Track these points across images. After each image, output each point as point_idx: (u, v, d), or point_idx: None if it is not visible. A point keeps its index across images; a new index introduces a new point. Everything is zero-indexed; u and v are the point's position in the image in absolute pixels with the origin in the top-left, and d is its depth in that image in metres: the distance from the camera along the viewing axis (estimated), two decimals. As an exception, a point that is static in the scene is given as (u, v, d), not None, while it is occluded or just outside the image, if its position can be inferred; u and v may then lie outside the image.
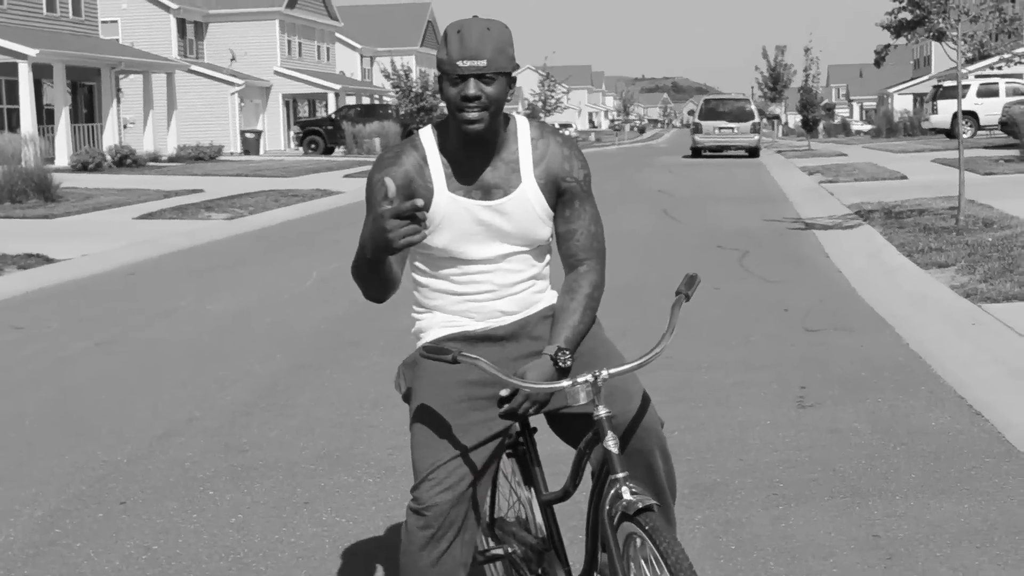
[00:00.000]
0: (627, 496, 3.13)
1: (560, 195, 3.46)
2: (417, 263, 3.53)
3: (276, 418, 7.08)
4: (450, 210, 3.37)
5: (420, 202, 2.98)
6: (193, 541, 5.12)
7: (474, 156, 3.38)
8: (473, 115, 3.26)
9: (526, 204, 3.41)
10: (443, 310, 3.52)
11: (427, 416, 3.43)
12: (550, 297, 3.61)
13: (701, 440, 6.39)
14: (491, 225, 3.39)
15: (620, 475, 3.15)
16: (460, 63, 3.23)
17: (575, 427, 3.44)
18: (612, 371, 3.21)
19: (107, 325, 10.41)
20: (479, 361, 3.13)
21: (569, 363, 3.32)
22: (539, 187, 3.42)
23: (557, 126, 36.76)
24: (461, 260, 3.43)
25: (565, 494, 3.49)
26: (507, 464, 3.91)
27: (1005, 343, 8.51)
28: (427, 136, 3.45)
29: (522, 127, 3.46)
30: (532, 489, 3.75)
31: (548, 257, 3.60)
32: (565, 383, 3.20)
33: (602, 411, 3.18)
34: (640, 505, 3.09)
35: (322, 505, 5.52)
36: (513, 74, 3.35)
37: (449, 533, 3.35)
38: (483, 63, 3.23)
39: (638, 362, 3.25)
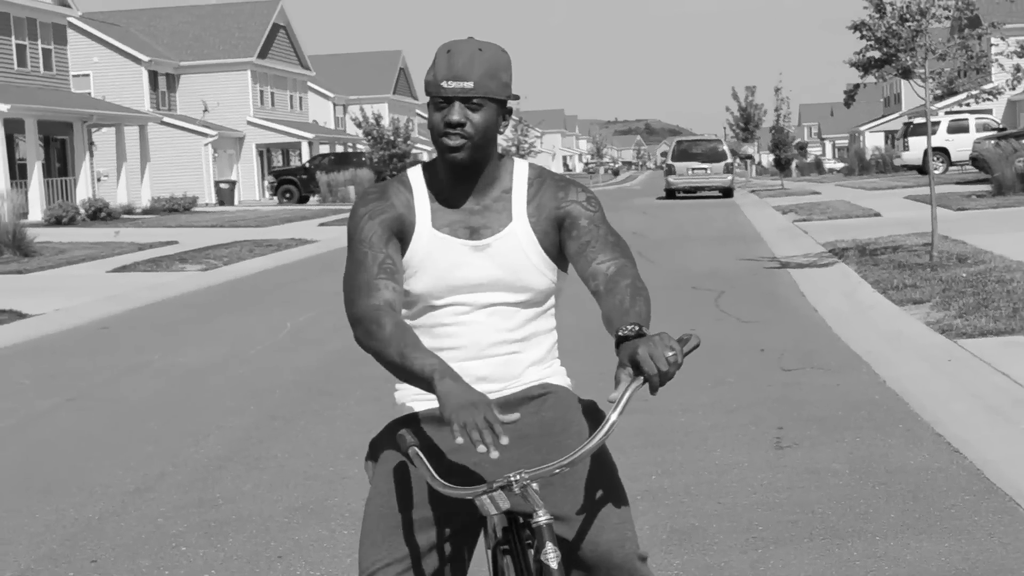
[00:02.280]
0: None
1: (561, 224, 3.08)
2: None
3: (249, 471, 7.00)
4: (432, 249, 3.05)
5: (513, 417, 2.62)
6: (165, 599, 5.03)
7: (460, 191, 3.08)
8: (455, 142, 2.97)
9: (515, 244, 3.06)
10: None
11: (378, 505, 3.07)
12: (541, 374, 3.15)
13: (679, 484, 6.34)
14: (477, 267, 3.05)
15: None
16: (444, 84, 2.96)
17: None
18: (531, 472, 2.71)
19: (78, 381, 10.31)
20: (418, 458, 2.79)
21: (636, 329, 2.75)
22: (531, 226, 3.08)
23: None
24: (438, 308, 3.08)
25: None
26: (507, 564, 3.22)
27: (981, 379, 8.50)
28: (415, 173, 3.17)
29: (520, 168, 3.16)
30: None
31: (548, 325, 3.19)
32: (478, 489, 2.72)
33: (541, 517, 2.73)
34: None
35: (296, 559, 5.44)
36: (508, 104, 3.07)
37: None
38: (469, 85, 2.95)
39: (562, 461, 2.71)
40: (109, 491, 6.71)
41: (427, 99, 3.07)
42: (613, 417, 2.69)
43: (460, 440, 2.60)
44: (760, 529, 5.55)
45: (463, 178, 3.07)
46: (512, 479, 2.70)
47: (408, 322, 3.09)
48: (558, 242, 3.11)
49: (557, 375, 3.23)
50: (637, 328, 2.76)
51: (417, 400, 3.15)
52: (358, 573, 3.08)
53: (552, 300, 3.18)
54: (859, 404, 7.99)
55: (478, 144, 2.99)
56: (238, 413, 8.63)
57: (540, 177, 3.15)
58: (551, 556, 2.73)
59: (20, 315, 14.54)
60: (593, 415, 3.15)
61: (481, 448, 2.58)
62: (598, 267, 3.01)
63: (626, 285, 2.93)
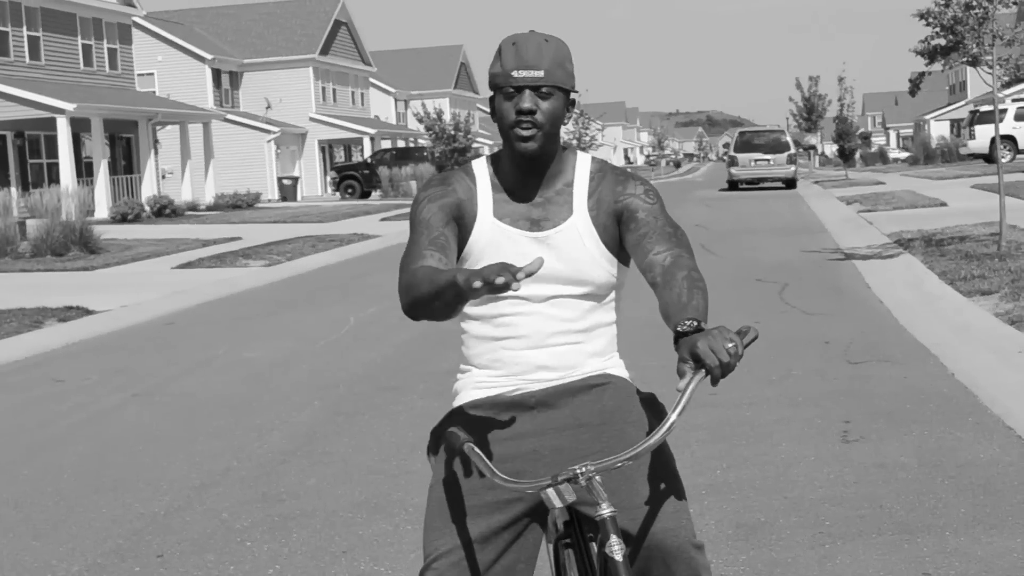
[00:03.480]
0: None
1: (620, 217, 3.09)
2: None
3: (313, 466, 7.02)
4: (493, 238, 3.08)
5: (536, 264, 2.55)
6: (230, 594, 5.05)
7: (526, 183, 3.10)
8: (527, 132, 2.99)
9: (575, 238, 3.07)
10: (478, 362, 3.17)
11: (440, 493, 3.10)
12: (603, 365, 3.17)
13: (744, 478, 6.28)
14: (535, 256, 3.03)
15: None
16: (515, 73, 2.97)
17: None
18: (596, 465, 2.73)
19: (144, 376, 10.40)
20: (474, 453, 2.81)
21: (695, 324, 2.74)
22: (591, 219, 3.09)
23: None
24: (500, 298, 3.07)
25: None
26: (569, 556, 3.26)
27: (1053, 370, 8.35)
28: (480, 164, 3.20)
29: (582, 160, 3.17)
30: None
31: (609, 318, 3.18)
32: (543, 482, 2.74)
33: (605, 510, 2.74)
34: None
35: (360, 554, 5.45)
36: (572, 95, 3.09)
37: None
38: (540, 74, 2.98)
39: (630, 453, 2.73)
40: (175, 486, 6.76)
41: (492, 92, 3.06)
42: (678, 410, 2.68)
43: (477, 284, 2.51)
44: (827, 524, 5.48)
45: (529, 170, 3.10)
46: (578, 471, 2.71)
47: (470, 310, 3.15)
48: (618, 236, 3.11)
49: (617, 367, 3.23)
50: (696, 323, 2.75)
51: (477, 388, 3.17)
52: (423, 559, 3.09)
53: (613, 294, 3.17)
54: (927, 397, 7.88)
55: (548, 133, 3.02)
56: (302, 408, 8.66)
57: (601, 171, 3.16)
58: (616, 548, 2.72)
59: (87, 311, 14.70)
60: (653, 407, 3.18)
61: (499, 279, 2.50)
62: (655, 258, 3.01)
63: (683, 277, 2.91)
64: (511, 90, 3.00)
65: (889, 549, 5.11)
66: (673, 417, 2.69)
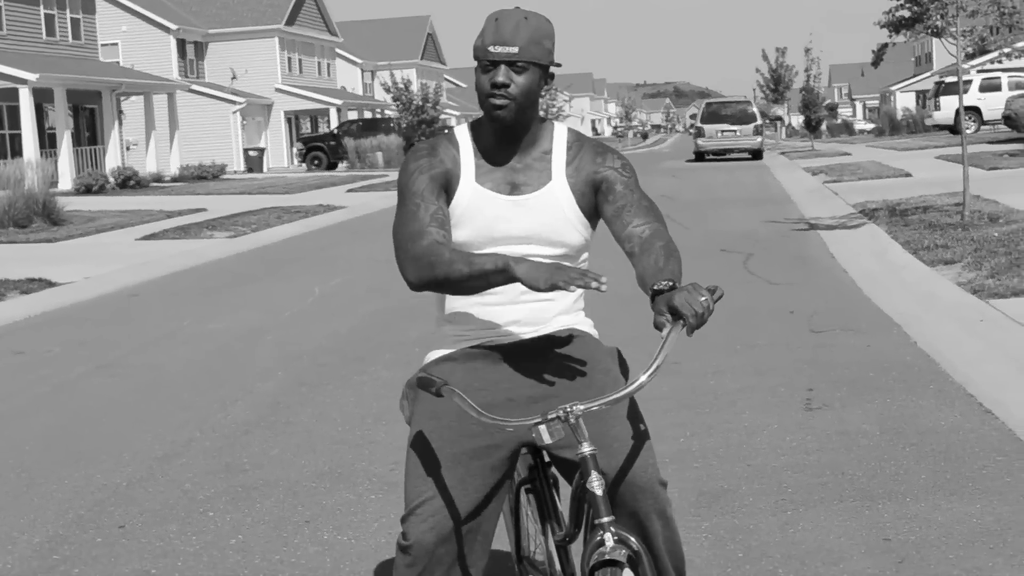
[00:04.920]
0: (609, 543, 2.92)
1: (598, 188, 3.29)
2: None
3: (277, 436, 7.00)
4: (474, 202, 3.27)
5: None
6: (193, 564, 5.04)
7: (504, 150, 3.29)
8: (499, 102, 3.18)
9: (554, 202, 3.27)
10: (452, 318, 3.36)
11: (420, 444, 3.26)
12: (571, 321, 3.38)
13: (708, 446, 6.31)
14: (515, 221, 3.26)
15: (604, 520, 2.94)
16: (492, 48, 3.17)
17: (573, 470, 3.20)
18: (584, 405, 2.96)
19: (108, 348, 10.34)
20: (455, 394, 2.96)
21: (670, 284, 2.97)
22: (569, 187, 3.28)
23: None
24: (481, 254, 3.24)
25: (568, 538, 3.28)
26: (529, 501, 3.59)
27: (1014, 339, 8.42)
28: (462, 131, 3.38)
29: (559, 131, 3.37)
30: (547, 528, 3.46)
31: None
32: (532, 420, 2.96)
33: (586, 448, 2.96)
34: (617, 555, 2.90)
35: (323, 523, 5.44)
36: (551, 69, 3.28)
37: (437, 572, 3.19)
38: (515, 50, 3.16)
39: (617, 395, 2.97)
40: (137, 457, 6.73)
41: (475, 64, 3.25)
42: (660, 356, 2.91)
43: (603, 281, 2.85)
44: (790, 491, 5.51)
45: (507, 138, 3.28)
46: (568, 409, 2.93)
47: None
48: (594, 203, 3.31)
49: (584, 324, 3.45)
50: (671, 283, 2.98)
51: (452, 342, 3.37)
52: (403, 509, 3.23)
53: (585, 254, 3.38)
54: (890, 365, 7.92)
55: (521, 105, 3.20)
56: (266, 379, 8.64)
57: (579, 141, 3.37)
58: (596, 484, 2.94)
59: (50, 283, 14.59)
60: (619, 360, 3.44)
61: (595, 284, 2.84)
62: (633, 230, 3.22)
63: (660, 247, 3.15)
64: (488, 64, 3.19)
65: (850, 515, 5.15)
66: (658, 361, 2.92)
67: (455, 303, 3.34)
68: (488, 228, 3.26)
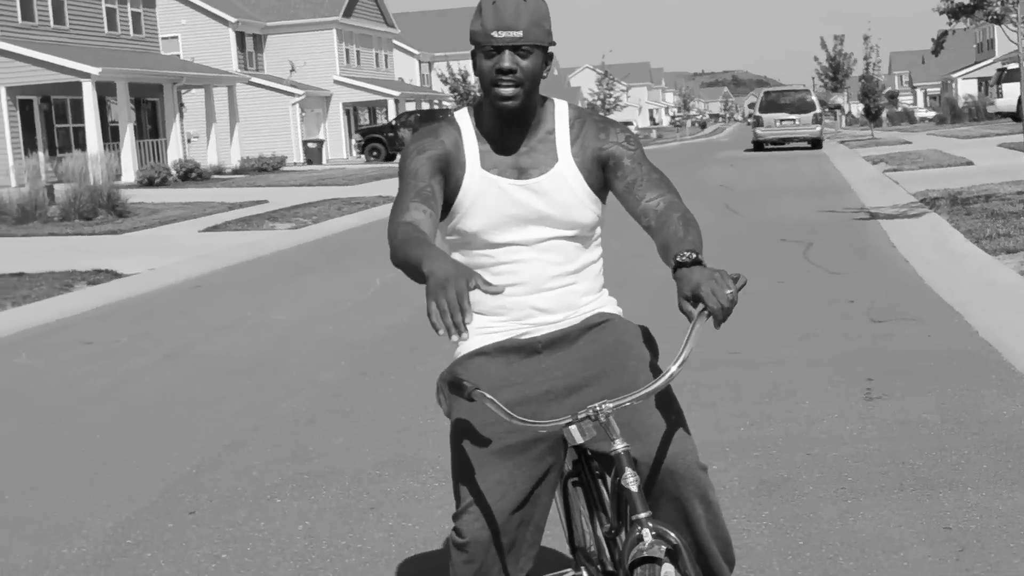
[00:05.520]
0: (647, 539, 2.88)
1: (605, 164, 3.24)
2: (455, 253, 3.32)
3: (341, 425, 7.11)
4: (483, 189, 3.21)
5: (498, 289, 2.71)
6: (262, 549, 5.15)
7: (509, 135, 3.23)
8: (508, 90, 3.11)
9: (563, 184, 3.21)
10: (480, 308, 3.28)
11: (464, 440, 3.23)
12: (596, 303, 3.36)
13: (767, 435, 6.33)
14: (527, 206, 3.20)
15: (641, 515, 2.91)
16: (495, 34, 3.09)
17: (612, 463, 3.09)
18: (614, 403, 2.93)
19: (173, 338, 10.51)
20: (485, 399, 2.94)
21: (694, 256, 2.92)
22: (576, 166, 3.23)
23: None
24: (495, 246, 3.23)
25: (614, 531, 3.21)
26: (577, 493, 3.56)
27: (1077, 328, 8.35)
28: (463, 116, 3.30)
29: (560, 109, 3.30)
30: (595, 520, 3.43)
31: (595, 256, 3.36)
32: (563, 421, 2.94)
33: (619, 445, 2.94)
34: (655, 551, 2.87)
35: (388, 510, 5.53)
36: (550, 50, 3.20)
37: (495, 567, 3.18)
38: (519, 34, 3.09)
39: (647, 389, 2.93)
40: (205, 445, 6.86)
41: (472, 48, 3.19)
42: (687, 349, 2.88)
43: (440, 332, 2.61)
44: (850, 480, 5.53)
45: (511, 123, 3.22)
46: (597, 408, 2.91)
47: (466, 260, 3.26)
48: (602, 179, 3.27)
49: (609, 304, 3.42)
50: (694, 255, 2.93)
51: (482, 334, 3.30)
52: (455, 504, 3.22)
53: (599, 231, 3.36)
54: (951, 355, 7.91)
55: (528, 90, 3.14)
56: (329, 368, 8.75)
57: (580, 118, 3.29)
58: (631, 480, 2.92)
59: (116, 275, 14.83)
60: (649, 340, 3.37)
61: (441, 333, 2.59)
62: (648, 204, 3.17)
63: (678, 218, 3.10)
64: (491, 49, 3.11)
65: (911, 504, 5.16)
66: (686, 351, 2.88)
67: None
68: (499, 215, 3.21)
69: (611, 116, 61.45)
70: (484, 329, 3.31)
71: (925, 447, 5.96)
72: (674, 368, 2.89)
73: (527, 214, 3.21)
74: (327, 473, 6.16)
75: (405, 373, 8.42)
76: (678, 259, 2.93)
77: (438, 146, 3.22)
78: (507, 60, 3.10)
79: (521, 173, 3.22)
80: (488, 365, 3.27)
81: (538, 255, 3.24)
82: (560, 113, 3.30)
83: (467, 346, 3.32)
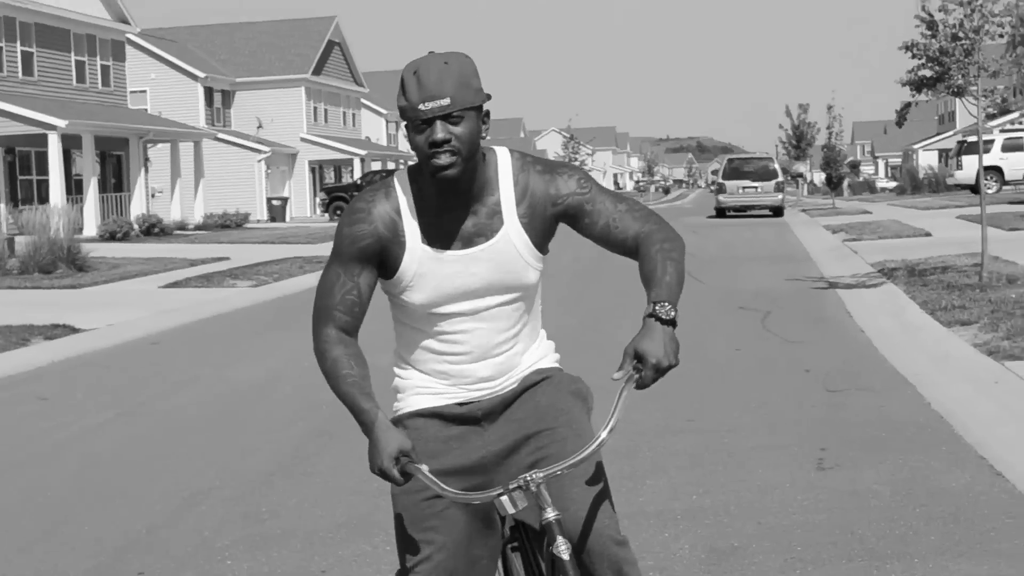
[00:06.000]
0: None
1: (564, 216, 3.18)
2: (397, 316, 3.31)
3: (296, 486, 7.10)
4: (424, 265, 3.13)
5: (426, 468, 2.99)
6: (210, 611, 5.12)
7: (451, 203, 3.10)
8: (444, 160, 2.98)
9: (508, 247, 3.14)
10: (420, 366, 3.29)
11: (403, 505, 3.22)
12: (532, 359, 3.33)
13: (719, 503, 6.37)
14: (471, 275, 3.13)
15: None
16: (421, 106, 2.96)
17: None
18: (544, 472, 2.94)
19: (130, 395, 10.47)
20: (419, 472, 2.99)
21: (673, 314, 2.96)
22: (523, 226, 3.15)
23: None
24: (439, 316, 3.18)
25: None
26: (516, 558, 3.55)
27: (1027, 401, 8.46)
28: (403, 183, 3.17)
29: (503, 163, 3.18)
30: None
31: (536, 307, 3.34)
32: (494, 492, 2.94)
33: (550, 513, 2.94)
34: None
35: (339, 574, 5.52)
36: (484, 107, 3.07)
37: None
38: (446, 102, 2.96)
39: (577, 457, 2.94)
40: (158, 503, 6.83)
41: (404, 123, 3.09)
42: (616, 415, 2.91)
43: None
44: (799, 550, 5.57)
45: (453, 191, 3.10)
46: (528, 478, 2.92)
47: (410, 322, 3.27)
48: (553, 230, 3.23)
49: (544, 356, 3.40)
50: (670, 312, 2.96)
51: (421, 395, 3.32)
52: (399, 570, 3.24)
53: (539, 285, 3.32)
54: (903, 426, 7.99)
55: (467, 156, 3.02)
56: (286, 428, 8.75)
57: (524, 170, 3.19)
58: (563, 549, 2.92)
59: (74, 329, 14.76)
60: (583, 398, 3.36)
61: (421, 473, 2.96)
62: (630, 244, 3.17)
63: (656, 251, 3.10)
64: (421, 123, 2.99)
65: (858, 575, 5.20)
66: (613, 421, 2.92)
67: (421, 354, 3.29)
68: (444, 286, 3.14)
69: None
70: (424, 389, 3.30)
71: (874, 518, 6.01)
72: (604, 434, 2.92)
73: (472, 283, 3.15)
74: (279, 535, 6.15)
75: (362, 434, 8.40)
76: (655, 311, 2.96)
77: (369, 235, 3.12)
78: (439, 131, 2.98)
79: (465, 243, 3.13)
80: (427, 427, 3.27)
81: (482, 324, 3.20)
82: (503, 169, 3.18)
83: (406, 406, 3.33)
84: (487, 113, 3.10)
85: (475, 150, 3.05)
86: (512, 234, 3.14)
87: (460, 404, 3.27)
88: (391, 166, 63.97)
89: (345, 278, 3.16)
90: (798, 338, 12.22)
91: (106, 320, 15.70)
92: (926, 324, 12.48)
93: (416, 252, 3.13)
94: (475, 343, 3.21)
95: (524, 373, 3.31)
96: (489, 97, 3.08)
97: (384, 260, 3.16)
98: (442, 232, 3.13)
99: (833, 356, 10.98)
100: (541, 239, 3.20)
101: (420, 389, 3.31)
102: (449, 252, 3.13)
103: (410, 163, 3.18)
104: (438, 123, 2.97)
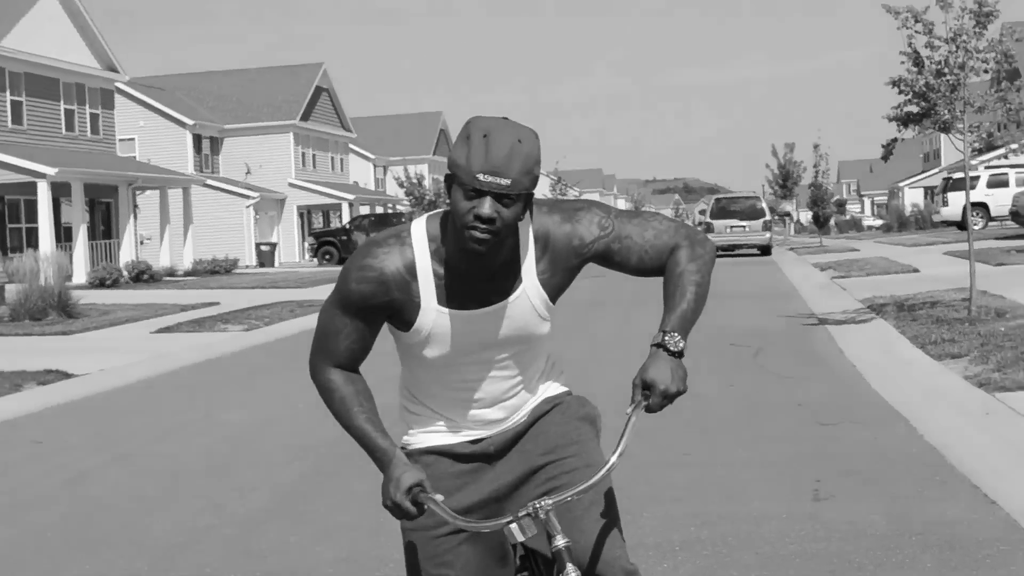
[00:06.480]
0: None
1: (594, 260, 3.13)
2: (406, 359, 3.27)
3: (295, 524, 7.12)
4: (439, 323, 3.06)
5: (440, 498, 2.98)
6: (213, 648, 5.14)
7: (473, 267, 3.00)
8: (483, 237, 2.85)
9: (525, 304, 3.09)
10: (430, 403, 3.27)
11: (418, 542, 3.23)
12: (541, 392, 3.32)
13: (717, 535, 6.41)
14: (486, 331, 3.09)
15: None
16: (480, 176, 2.81)
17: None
18: (553, 500, 2.93)
19: (125, 438, 10.49)
20: (429, 500, 2.97)
21: (681, 346, 2.99)
22: (541, 283, 3.09)
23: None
24: (452, 367, 3.15)
25: None
26: None
27: (1019, 432, 8.53)
28: (419, 236, 3.04)
29: (523, 223, 3.05)
30: None
31: (545, 354, 3.34)
32: (503, 520, 2.93)
33: (559, 541, 2.93)
34: None
35: (341, 609, 5.54)
36: (532, 193, 2.95)
37: None
38: (507, 182, 2.81)
39: (586, 485, 2.94)
40: (158, 544, 6.85)
41: (450, 172, 2.93)
42: (625, 440, 2.94)
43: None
44: (797, 579, 5.61)
45: (479, 261, 3.00)
46: (537, 506, 2.91)
47: (422, 373, 3.22)
48: (574, 276, 3.18)
49: (555, 383, 3.39)
50: (679, 344, 3.00)
51: (432, 433, 3.29)
52: None
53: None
54: (896, 458, 8.04)
55: (504, 237, 2.92)
56: (282, 468, 8.77)
57: (543, 224, 3.09)
58: None
59: (66, 375, 14.77)
60: (592, 422, 3.36)
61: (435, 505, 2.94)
62: (662, 268, 3.15)
63: (679, 273, 3.09)
64: (472, 191, 2.84)
65: (856, 603, 5.24)
66: (622, 447, 2.94)
67: (434, 396, 3.25)
68: (458, 343, 3.09)
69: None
70: (437, 427, 3.28)
71: (871, 547, 6.05)
72: (613, 459, 2.92)
73: (486, 339, 3.11)
74: (281, 572, 6.18)
75: (359, 472, 8.41)
76: (663, 342, 3.00)
77: (380, 295, 3.02)
78: (487, 207, 2.83)
79: (481, 302, 3.06)
80: (439, 464, 3.25)
81: (496, 373, 3.18)
82: (523, 227, 3.06)
83: (417, 442, 3.30)
84: (532, 196, 2.98)
85: (513, 231, 2.97)
86: (530, 292, 3.09)
87: (472, 442, 3.26)
88: (379, 210, 64.10)
89: (351, 328, 3.10)
90: (790, 373, 12.28)
91: (98, 365, 15.71)
92: (917, 358, 12.56)
93: (431, 313, 3.05)
94: (487, 390, 3.20)
95: (534, 404, 3.31)
96: (538, 181, 2.96)
97: (395, 315, 3.09)
98: (459, 291, 3.04)
99: (825, 390, 11.05)
100: (558, 291, 3.15)
101: (432, 427, 3.29)
102: (465, 312, 3.06)
103: (428, 214, 3.08)
104: (488, 199, 2.84)
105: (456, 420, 3.25)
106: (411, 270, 3.02)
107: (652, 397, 2.92)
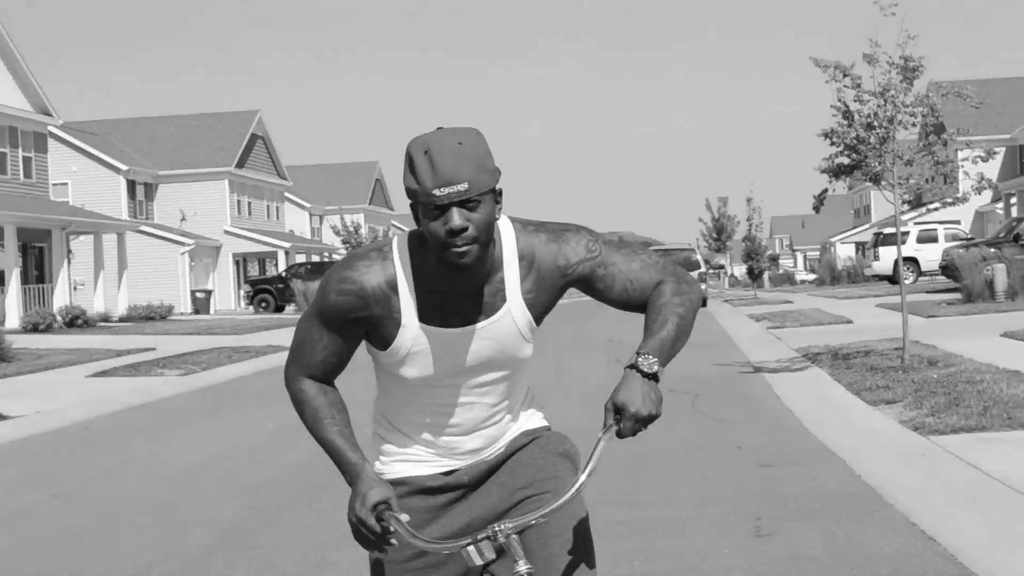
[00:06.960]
0: None
1: (578, 284, 3.06)
2: (383, 379, 3.16)
3: (237, 559, 7.10)
4: (420, 341, 2.97)
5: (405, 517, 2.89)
6: (161, 678, 5.12)
7: (456, 284, 2.93)
8: (463, 249, 2.78)
9: (509, 325, 3.00)
10: (405, 429, 3.17)
11: (380, 563, 3.17)
12: (519, 425, 3.23)
13: (660, 570, 6.48)
14: (468, 352, 3.00)
15: None
16: (436, 192, 2.73)
17: None
18: (514, 523, 2.85)
19: (63, 478, 10.39)
20: (393, 518, 2.89)
21: (656, 368, 2.91)
22: (526, 304, 3.01)
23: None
24: (431, 387, 3.06)
25: None
26: None
27: (954, 472, 8.69)
28: (402, 253, 2.97)
29: (507, 237, 3.00)
30: None
31: (526, 383, 3.26)
32: (462, 542, 2.86)
33: (522, 567, 2.85)
34: None
35: (288, 640, 5.54)
36: (498, 187, 2.87)
37: None
38: (464, 187, 2.73)
39: (549, 508, 2.87)
40: (100, 579, 6.80)
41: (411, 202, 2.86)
42: (594, 460, 2.87)
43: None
44: (741, 610, 5.68)
45: (463, 276, 2.92)
46: (496, 529, 2.83)
47: (399, 395, 3.13)
48: (558, 299, 3.11)
49: (531, 418, 3.29)
50: (654, 367, 2.93)
51: (407, 461, 3.19)
52: None
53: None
54: (835, 496, 8.16)
55: (484, 242, 2.84)
56: (224, 505, 8.73)
57: (528, 243, 3.02)
58: None
59: (2, 417, 14.60)
60: (571, 459, 3.26)
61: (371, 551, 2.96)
62: (645, 302, 3.10)
63: (662, 304, 3.03)
64: (435, 209, 2.78)
65: (800, 632, 5.33)
66: (590, 467, 2.88)
67: (410, 421, 3.15)
68: (439, 362, 3.00)
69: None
70: (410, 455, 3.17)
71: (813, 580, 6.14)
72: (583, 477, 2.86)
73: (470, 360, 3.02)
74: (226, 605, 6.15)
75: (302, 509, 8.43)
76: (636, 363, 2.92)
77: (359, 309, 2.95)
78: (456, 219, 2.76)
79: (465, 320, 2.98)
80: (410, 501, 3.15)
81: (476, 399, 3.09)
82: (507, 243, 3.00)
83: (390, 471, 3.19)
84: (500, 192, 2.89)
85: (492, 234, 2.87)
86: (514, 312, 3.01)
87: (446, 473, 3.16)
88: (315, 259, 63.95)
89: (328, 340, 3.03)
90: (728, 418, 12.41)
91: (34, 408, 15.54)
92: (852, 403, 12.74)
93: (411, 330, 2.97)
94: (466, 416, 3.11)
95: (511, 436, 3.22)
96: (500, 173, 2.87)
97: (374, 331, 3.01)
98: (441, 309, 2.96)
99: (764, 434, 11.18)
100: (543, 312, 3.07)
101: (405, 455, 3.18)
102: (447, 330, 2.98)
103: (410, 230, 3.02)
104: (454, 210, 2.76)
105: (431, 448, 3.15)
106: (392, 285, 2.95)
107: (623, 421, 2.83)
